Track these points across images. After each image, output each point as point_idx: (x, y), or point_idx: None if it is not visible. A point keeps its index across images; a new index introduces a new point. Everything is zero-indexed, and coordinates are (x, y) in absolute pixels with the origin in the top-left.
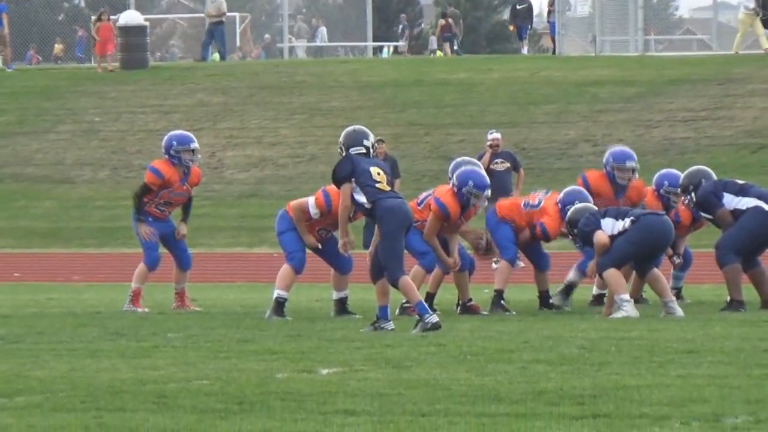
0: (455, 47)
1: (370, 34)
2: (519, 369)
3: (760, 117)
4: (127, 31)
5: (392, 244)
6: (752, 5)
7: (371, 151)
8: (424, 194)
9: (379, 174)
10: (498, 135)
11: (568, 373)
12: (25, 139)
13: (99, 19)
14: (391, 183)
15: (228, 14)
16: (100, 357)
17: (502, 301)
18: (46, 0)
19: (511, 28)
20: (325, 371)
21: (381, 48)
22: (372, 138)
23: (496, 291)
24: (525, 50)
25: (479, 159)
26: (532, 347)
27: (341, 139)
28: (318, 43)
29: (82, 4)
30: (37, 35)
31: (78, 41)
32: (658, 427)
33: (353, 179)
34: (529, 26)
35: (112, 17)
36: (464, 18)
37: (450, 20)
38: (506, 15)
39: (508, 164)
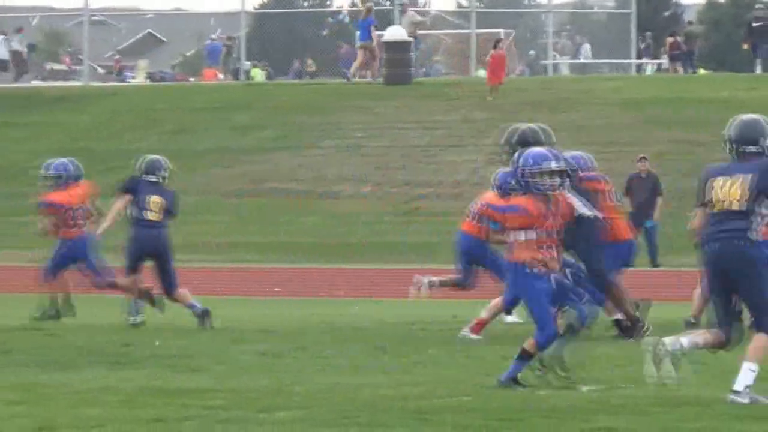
0: (690, 65)
1: (634, 51)
2: None
3: None
4: (392, 46)
5: None
6: None
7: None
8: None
9: None
10: None
11: None
12: (287, 154)
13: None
14: None
15: (493, 30)
16: (362, 372)
17: None
18: (313, 14)
19: (746, 45)
20: (585, 388)
21: (645, 65)
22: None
23: None
24: (758, 69)
25: None
26: None
27: None
28: (582, 60)
29: (347, 19)
30: (300, 49)
31: (341, 56)
32: None
33: None
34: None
35: (378, 33)
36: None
37: (678, 38)
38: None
39: None
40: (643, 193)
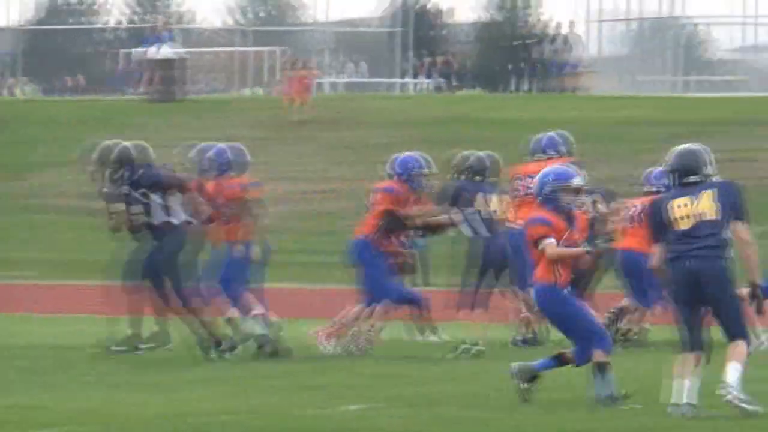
0: (460, 84)
1: (408, 69)
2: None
3: None
4: (160, 64)
5: None
6: None
7: None
8: None
9: None
10: None
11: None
12: (55, 170)
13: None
14: None
15: (265, 48)
16: (132, 389)
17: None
18: (83, 31)
19: (513, 65)
20: (352, 407)
21: (415, 84)
22: None
23: None
24: (527, 88)
25: None
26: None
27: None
28: (354, 79)
29: (123, 35)
30: (71, 66)
31: (112, 72)
32: None
33: None
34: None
35: (143, 49)
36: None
37: (449, 57)
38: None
39: None
40: None
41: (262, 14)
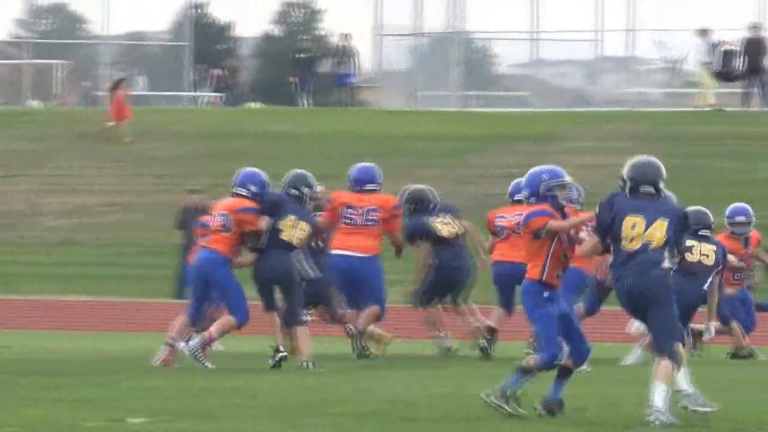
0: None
1: (188, 83)
2: (330, 421)
3: (574, 174)
4: None
5: None
6: (708, 58)
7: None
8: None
9: None
10: (322, 188)
11: (380, 427)
12: None
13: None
14: None
15: (48, 61)
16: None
17: None
18: None
19: (292, 79)
20: (134, 420)
21: (199, 98)
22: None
23: None
24: (305, 103)
25: None
26: (343, 401)
27: None
28: (137, 92)
29: None
30: None
31: None
32: None
33: None
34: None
35: None
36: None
37: (226, 71)
38: None
39: None
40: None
41: (47, 27)
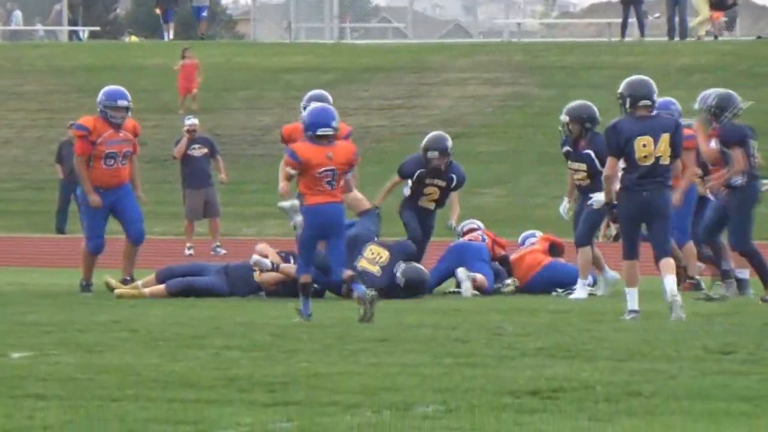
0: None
1: (65, 18)
2: (211, 355)
3: (454, 106)
4: None
5: None
6: None
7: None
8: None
9: None
10: (195, 121)
11: (260, 359)
12: None
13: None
14: None
15: None
16: None
17: None
18: None
19: (158, 11)
20: (16, 355)
21: (77, 32)
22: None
23: None
24: (170, 35)
25: (176, 144)
26: (224, 334)
27: None
28: (13, 27)
29: None
30: None
31: None
32: (350, 415)
33: None
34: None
35: None
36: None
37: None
38: None
39: (205, 150)
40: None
41: None
